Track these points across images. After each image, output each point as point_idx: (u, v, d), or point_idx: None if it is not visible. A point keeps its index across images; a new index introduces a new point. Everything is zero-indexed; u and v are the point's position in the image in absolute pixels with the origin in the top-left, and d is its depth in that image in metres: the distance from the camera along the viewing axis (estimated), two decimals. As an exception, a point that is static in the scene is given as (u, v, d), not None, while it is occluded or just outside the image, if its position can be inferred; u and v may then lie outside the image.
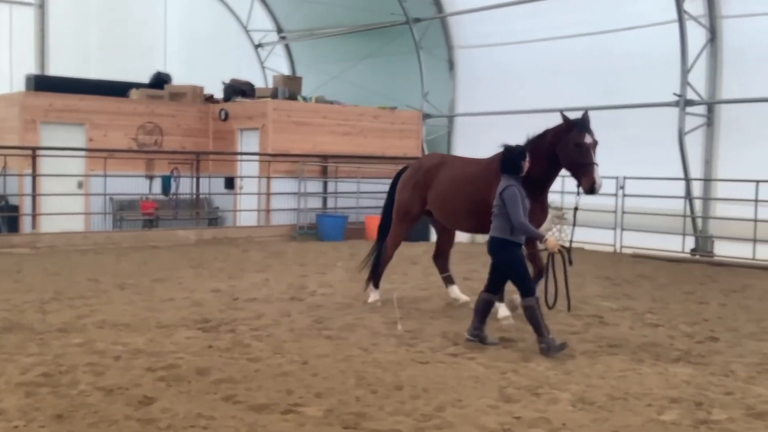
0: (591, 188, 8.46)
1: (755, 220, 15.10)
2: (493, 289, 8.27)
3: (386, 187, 20.05)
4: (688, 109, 16.42)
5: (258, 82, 24.04)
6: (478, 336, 8.14)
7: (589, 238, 17.73)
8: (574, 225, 9.10)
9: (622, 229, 17.30)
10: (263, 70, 27.00)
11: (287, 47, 27.15)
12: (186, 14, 26.84)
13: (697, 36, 16.44)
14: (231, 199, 20.34)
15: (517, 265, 7.99)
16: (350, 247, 17.18)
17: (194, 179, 19.07)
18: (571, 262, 8.33)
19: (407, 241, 18.49)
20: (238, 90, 21.41)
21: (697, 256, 16.22)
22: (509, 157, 8.08)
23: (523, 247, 8.23)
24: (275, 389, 6.51)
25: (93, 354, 7.53)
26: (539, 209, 9.06)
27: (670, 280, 13.15)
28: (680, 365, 7.55)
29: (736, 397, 6.53)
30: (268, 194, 19.38)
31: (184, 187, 19.43)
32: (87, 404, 6.02)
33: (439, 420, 5.82)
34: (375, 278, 10.57)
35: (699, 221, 16.65)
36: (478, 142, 20.83)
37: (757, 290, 12.23)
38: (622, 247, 17.29)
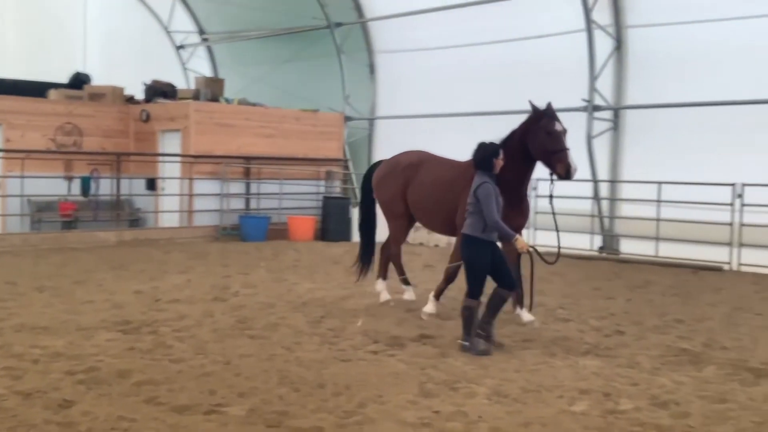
0: (567, 172, 8.37)
1: (658, 220, 15.61)
2: (506, 285, 7.93)
3: (308, 188, 20.36)
4: (596, 114, 16.85)
5: (180, 84, 23.51)
6: (486, 334, 7.89)
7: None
8: (556, 225, 9.01)
9: (535, 229, 17.64)
10: (185, 72, 26.43)
11: (209, 49, 26.71)
12: (106, 14, 26.21)
13: (604, 44, 16.88)
14: (153, 200, 19.88)
15: (479, 266, 7.74)
16: (273, 248, 17.06)
17: (115, 180, 18.58)
18: (549, 262, 8.58)
19: (329, 241, 18.64)
20: (159, 91, 20.89)
21: (605, 254, 16.66)
22: (482, 154, 7.86)
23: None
24: (198, 390, 6.40)
25: (10, 358, 7.26)
26: (519, 212, 8.94)
27: (579, 277, 13.47)
28: (589, 358, 7.74)
29: (642, 387, 6.73)
30: (191, 195, 19.03)
31: (105, 188, 18.91)
32: (4, 409, 5.81)
33: (361, 416, 5.83)
34: (401, 275, 10.39)
35: (606, 221, 17.10)
36: (398, 144, 20.99)
37: (660, 285, 12.65)
38: (535, 246, 17.60)
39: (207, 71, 26.11)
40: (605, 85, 16.96)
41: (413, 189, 9.72)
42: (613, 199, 17.16)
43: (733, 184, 14.49)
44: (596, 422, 5.82)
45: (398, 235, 10.32)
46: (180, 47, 26.62)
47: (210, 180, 19.04)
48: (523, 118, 9.01)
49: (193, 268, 13.64)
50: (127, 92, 21.47)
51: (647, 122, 16.57)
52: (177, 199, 19.21)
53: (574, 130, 16.59)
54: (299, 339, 8.32)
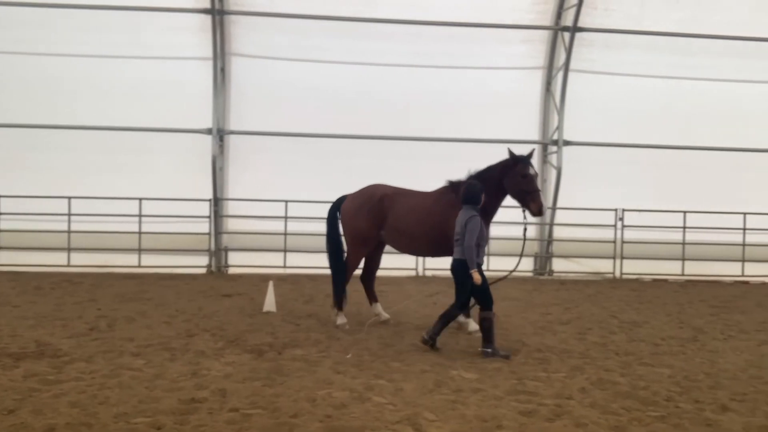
0: (539, 211, 8.22)
1: None
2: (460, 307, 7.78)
3: None
4: None
5: None
6: (432, 342, 7.72)
7: None
8: (523, 250, 8.85)
9: None
10: None
11: None
12: None
13: None
14: None
15: (482, 282, 7.47)
16: None
17: None
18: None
19: None
20: None
21: None
22: (473, 191, 7.67)
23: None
24: None
25: None
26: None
27: None
28: None
29: None
30: None
31: None
32: None
33: None
34: (338, 302, 9.13)
35: None
36: None
37: None
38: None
39: None
40: None
41: (396, 217, 8.88)
42: None
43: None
44: None
45: (358, 262, 9.18)
46: None
47: None
48: None
49: None
50: None
51: None
52: None
53: None
54: None
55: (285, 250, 14.60)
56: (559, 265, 15.48)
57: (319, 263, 14.34)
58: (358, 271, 9.46)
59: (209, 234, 14.59)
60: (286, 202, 14.48)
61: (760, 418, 5.62)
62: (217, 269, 14.63)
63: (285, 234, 14.57)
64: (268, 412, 5.54)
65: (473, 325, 8.64)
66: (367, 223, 8.94)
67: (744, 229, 15.36)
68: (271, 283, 10.59)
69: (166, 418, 5.36)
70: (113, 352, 7.36)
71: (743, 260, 15.40)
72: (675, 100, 15.48)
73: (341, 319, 9.03)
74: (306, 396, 5.96)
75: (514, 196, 8.44)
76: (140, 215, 14.20)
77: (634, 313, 10.76)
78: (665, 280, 15.05)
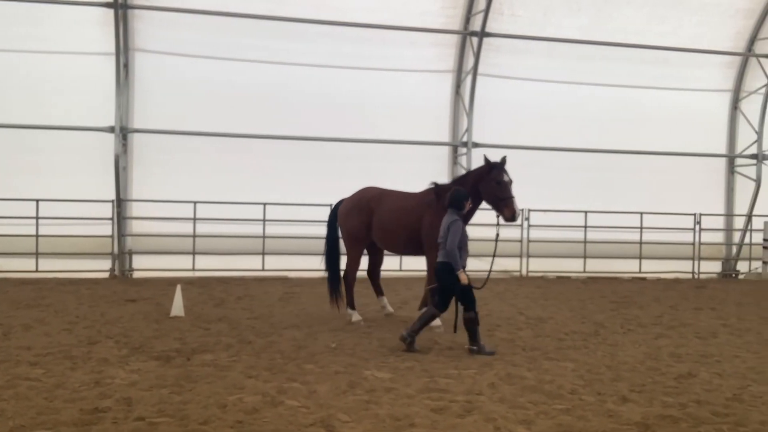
0: (512, 216, 8.45)
1: None
2: (472, 306, 7.83)
3: None
4: None
5: None
6: (411, 340, 7.81)
7: None
8: (494, 253, 8.77)
9: None
10: None
11: None
12: None
13: None
14: None
15: (451, 286, 7.72)
16: None
17: None
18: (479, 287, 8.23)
19: None
20: None
21: None
22: (458, 197, 7.89)
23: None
24: None
25: None
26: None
27: None
28: None
29: None
30: None
31: None
32: None
33: None
34: (349, 301, 9.59)
35: None
36: None
37: None
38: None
39: None
40: None
41: (379, 216, 9.35)
42: None
43: None
44: None
45: (358, 260, 9.62)
46: None
47: None
48: None
49: None
50: None
51: None
52: None
53: None
54: None
55: (194, 253, 14.24)
56: (469, 263, 15.79)
57: (229, 266, 14.14)
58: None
59: (112, 237, 14.03)
60: (195, 203, 14.12)
61: (657, 408, 5.93)
62: (121, 273, 14.08)
63: (194, 236, 14.21)
64: (176, 419, 5.37)
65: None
66: (357, 223, 9.47)
67: (641, 228, 16.20)
68: (178, 287, 10.29)
69: (68, 429, 5.11)
70: (9, 362, 6.96)
71: (640, 257, 16.25)
72: (576, 104, 16.15)
73: (356, 317, 9.42)
74: (216, 402, 5.82)
75: (489, 202, 8.73)
76: (37, 217, 13.50)
77: (539, 309, 11.14)
78: (568, 277, 15.68)
